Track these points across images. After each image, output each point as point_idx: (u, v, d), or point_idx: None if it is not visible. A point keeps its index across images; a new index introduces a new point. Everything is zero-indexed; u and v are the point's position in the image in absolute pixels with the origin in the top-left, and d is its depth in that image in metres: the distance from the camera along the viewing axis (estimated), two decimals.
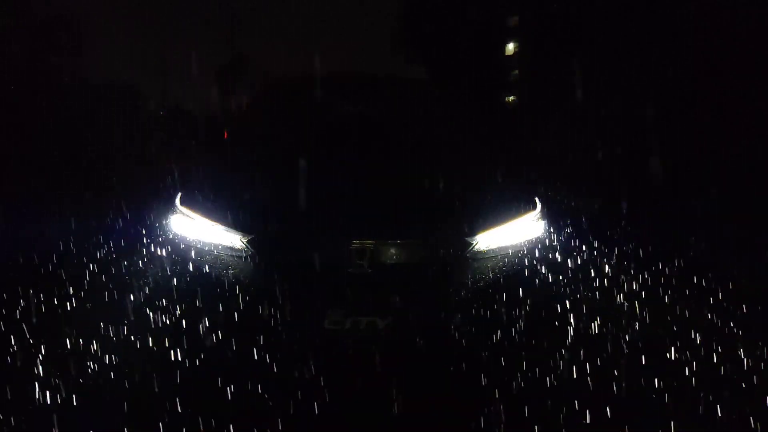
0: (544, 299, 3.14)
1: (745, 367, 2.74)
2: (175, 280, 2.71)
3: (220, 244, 2.56)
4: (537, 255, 2.76)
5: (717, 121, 8.50)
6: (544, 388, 2.51)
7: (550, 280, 3.41)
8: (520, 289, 2.66)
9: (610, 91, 10.60)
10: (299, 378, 2.42)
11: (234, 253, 2.53)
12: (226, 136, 3.90)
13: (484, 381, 2.49)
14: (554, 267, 3.66)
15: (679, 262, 4.37)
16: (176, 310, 2.79)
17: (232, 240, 2.53)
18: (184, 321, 2.71)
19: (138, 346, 2.78)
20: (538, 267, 2.79)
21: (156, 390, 2.41)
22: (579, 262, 4.34)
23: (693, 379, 2.62)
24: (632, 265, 4.35)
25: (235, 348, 2.52)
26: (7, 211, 5.56)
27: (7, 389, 2.37)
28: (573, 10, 14.03)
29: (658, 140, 8.23)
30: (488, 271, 2.59)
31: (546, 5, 16.37)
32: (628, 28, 10.95)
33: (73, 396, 2.34)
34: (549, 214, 2.98)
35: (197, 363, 2.56)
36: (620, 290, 3.81)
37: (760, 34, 8.43)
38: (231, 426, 2.18)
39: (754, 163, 7.15)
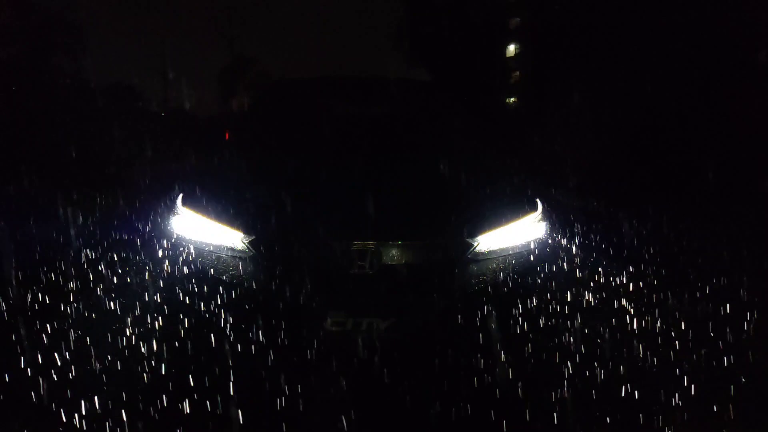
0: (545, 300, 3.14)
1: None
2: (176, 280, 2.71)
3: (222, 245, 2.56)
4: (538, 256, 2.75)
5: (718, 122, 8.49)
6: (546, 389, 2.50)
7: (552, 280, 3.41)
8: (522, 290, 2.65)
9: (611, 92, 10.60)
10: (300, 379, 2.42)
11: (235, 254, 2.53)
12: (227, 137, 3.90)
13: (485, 382, 2.48)
14: (556, 268, 3.65)
15: (682, 263, 4.36)
16: (177, 310, 2.78)
17: (234, 240, 2.53)
18: (184, 322, 2.71)
19: (138, 346, 2.78)
20: (540, 268, 2.78)
21: (156, 390, 2.41)
22: (580, 263, 4.34)
23: (694, 379, 2.61)
24: (633, 266, 4.34)
25: (236, 348, 2.52)
26: (7, 211, 5.56)
27: (7, 390, 2.36)
28: (574, 11, 14.02)
29: (658, 141, 8.23)
30: (489, 272, 2.59)
31: (548, 6, 16.37)
32: (629, 30, 10.94)
33: (73, 396, 2.33)
34: (550, 215, 2.97)
35: (198, 363, 2.56)
36: (621, 291, 3.81)
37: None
38: (231, 426, 2.17)
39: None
